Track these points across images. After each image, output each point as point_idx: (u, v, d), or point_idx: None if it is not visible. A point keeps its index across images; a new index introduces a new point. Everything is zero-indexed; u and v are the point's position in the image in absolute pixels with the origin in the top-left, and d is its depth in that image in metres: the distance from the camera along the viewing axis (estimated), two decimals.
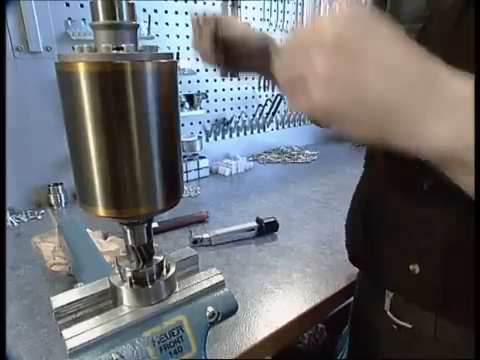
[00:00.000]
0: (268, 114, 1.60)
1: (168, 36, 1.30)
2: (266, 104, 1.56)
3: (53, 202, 1.13)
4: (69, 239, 0.75)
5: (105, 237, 0.87)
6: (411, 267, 0.51)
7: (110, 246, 0.77)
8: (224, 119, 1.52)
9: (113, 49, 0.26)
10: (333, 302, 0.74)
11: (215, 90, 1.49)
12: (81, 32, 1.08)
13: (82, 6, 1.08)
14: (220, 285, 0.40)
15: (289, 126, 1.75)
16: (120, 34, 0.28)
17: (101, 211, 0.30)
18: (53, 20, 1.04)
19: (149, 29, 1.20)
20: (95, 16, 0.27)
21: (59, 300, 0.35)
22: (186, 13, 1.33)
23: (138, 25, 0.29)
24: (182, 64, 1.33)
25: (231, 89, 1.53)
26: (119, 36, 0.28)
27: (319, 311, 0.71)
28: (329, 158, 1.68)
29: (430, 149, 0.26)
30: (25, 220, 1.06)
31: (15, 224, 1.03)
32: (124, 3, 0.27)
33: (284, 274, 0.78)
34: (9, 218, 1.05)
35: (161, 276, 0.36)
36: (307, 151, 1.72)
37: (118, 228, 0.35)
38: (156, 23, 1.24)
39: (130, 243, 0.35)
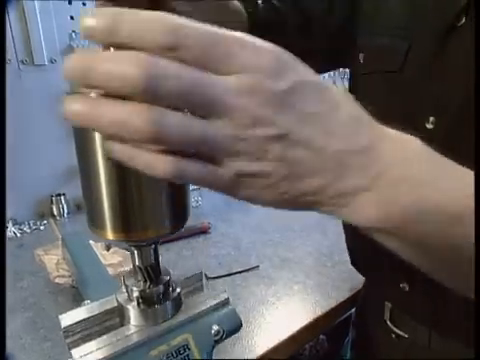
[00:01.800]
0: None
1: None
2: None
3: (55, 213, 1.14)
4: (72, 252, 0.76)
5: (108, 248, 0.88)
6: (401, 285, 0.52)
7: (113, 259, 0.77)
8: None
9: None
10: (335, 314, 0.74)
11: None
12: (85, 45, 1.09)
13: None
14: (225, 303, 0.40)
15: None
16: None
17: (110, 235, 0.31)
18: (57, 33, 1.06)
19: None
20: None
21: (67, 319, 0.36)
22: None
23: None
24: None
25: None
26: None
27: (321, 323, 0.71)
28: None
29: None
30: (28, 231, 1.06)
31: (18, 235, 1.04)
32: None
33: (286, 286, 0.79)
34: (12, 229, 1.05)
35: (167, 295, 0.37)
36: None
37: None
38: None
39: (137, 263, 0.35)
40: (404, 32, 0.48)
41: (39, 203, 1.15)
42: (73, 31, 1.08)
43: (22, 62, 1.02)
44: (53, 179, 1.15)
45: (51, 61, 1.06)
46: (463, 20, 0.41)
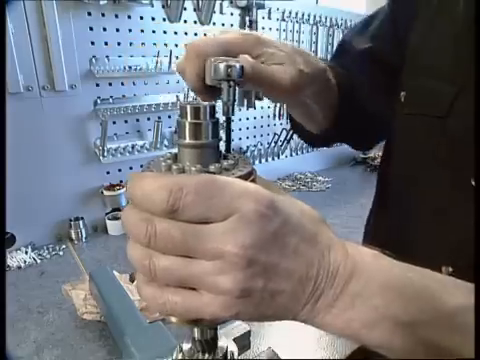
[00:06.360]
0: (283, 142, 1.61)
1: None
2: (281, 132, 1.57)
3: (74, 237, 1.13)
4: (100, 287, 0.75)
5: (132, 280, 0.87)
6: (444, 268, 0.47)
7: None
8: (240, 148, 1.53)
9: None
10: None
11: (231, 120, 1.50)
12: (105, 70, 1.09)
13: (106, 44, 1.10)
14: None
15: (302, 152, 1.76)
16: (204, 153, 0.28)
17: (174, 319, 0.30)
18: (78, 58, 1.06)
19: (170, 63, 1.21)
20: (181, 135, 0.28)
21: None
22: None
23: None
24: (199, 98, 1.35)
25: (247, 118, 1.54)
26: (204, 155, 0.28)
27: None
28: (342, 185, 1.68)
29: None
30: (47, 256, 1.06)
31: (38, 261, 1.03)
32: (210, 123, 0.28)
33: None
34: (31, 254, 1.05)
35: None
36: (320, 177, 1.72)
37: None
38: (177, 57, 1.25)
39: (196, 336, 0.35)
40: (451, 75, 0.45)
41: (57, 227, 1.14)
42: (93, 56, 1.08)
43: (43, 88, 1.02)
44: (71, 203, 1.15)
45: (71, 87, 1.06)
46: None
